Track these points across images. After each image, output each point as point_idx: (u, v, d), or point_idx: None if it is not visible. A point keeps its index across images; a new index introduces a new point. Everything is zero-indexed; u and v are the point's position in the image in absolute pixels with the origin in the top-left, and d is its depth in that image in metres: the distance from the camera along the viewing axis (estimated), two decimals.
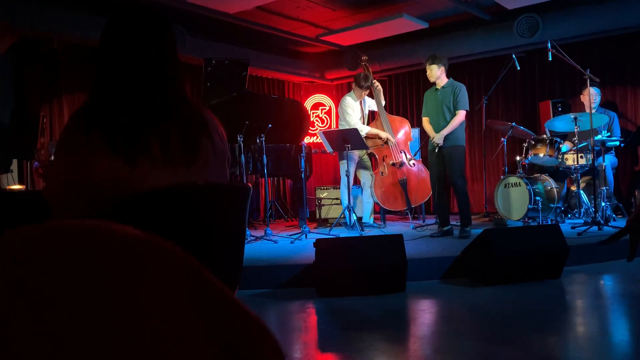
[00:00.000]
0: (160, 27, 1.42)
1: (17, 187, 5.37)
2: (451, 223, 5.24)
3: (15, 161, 5.81)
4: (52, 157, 5.13)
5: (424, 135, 6.98)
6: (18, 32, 5.46)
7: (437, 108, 5.11)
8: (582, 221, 5.20)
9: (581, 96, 6.03)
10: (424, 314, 3.16)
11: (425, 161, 6.60)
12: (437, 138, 4.99)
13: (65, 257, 0.37)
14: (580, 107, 6.30)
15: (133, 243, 0.39)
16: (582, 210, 5.46)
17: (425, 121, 5.23)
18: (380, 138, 5.93)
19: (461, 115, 4.99)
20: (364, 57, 6.43)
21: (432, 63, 5.08)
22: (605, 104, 6.41)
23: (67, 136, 1.32)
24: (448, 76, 5.17)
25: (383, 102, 6.23)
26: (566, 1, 5.97)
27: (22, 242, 0.38)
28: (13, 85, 5.93)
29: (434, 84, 5.19)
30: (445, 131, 4.95)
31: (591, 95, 5.38)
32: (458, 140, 5.01)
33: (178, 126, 1.35)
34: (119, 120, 1.29)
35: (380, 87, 6.20)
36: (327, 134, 5.65)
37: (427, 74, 5.15)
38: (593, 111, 5.27)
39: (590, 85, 5.26)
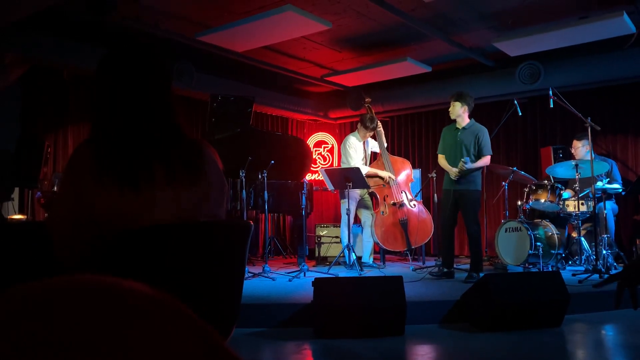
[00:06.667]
0: (156, 62, 1.52)
1: (18, 216, 5.35)
2: (455, 267, 5.20)
3: (16, 189, 5.81)
4: (57, 188, 5.12)
5: (424, 176, 7.02)
6: (29, 62, 5.57)
7: (456, 148, 5.04)
8: (583, 268, 5.15)
9: (571, 148, 6.01)
10: (423, 359, 3.10)
11: (426, 202, 6.61)
12: (460, 165, 4.85)
13: (72, 317, 0.37)
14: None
15: (145, 303, 0.40)
16: (583, 257, 5.42)
17: (441, 158, 5.18)
18: (380, 178, 5.95)
19: (487, 159, 5.01)
20: (367, 99, 6.52)
21: (457, 100, 5.02)
22: (605, 152, 6.46)
23: (72, 170, 1.36)
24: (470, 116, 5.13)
25: (385, 144, 6.27)
26: (567, 51, 6.08)
27: (23, 303, 0.37)
28: (21, 114, 6.00)
29: (454, 121, 5.12)
30: (470, 166, 4.85)
31: (590, 144, 5.39)
32: (475, 185, 4.97)
33: (179, 150, 1.44)
34: (123, 151, 1.36)
35: (381, 129, 6.25)
36: (329, 172, 5.67)
37: (450, 109, 5.10)
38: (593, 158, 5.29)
39: (578, 139, 5.42)
